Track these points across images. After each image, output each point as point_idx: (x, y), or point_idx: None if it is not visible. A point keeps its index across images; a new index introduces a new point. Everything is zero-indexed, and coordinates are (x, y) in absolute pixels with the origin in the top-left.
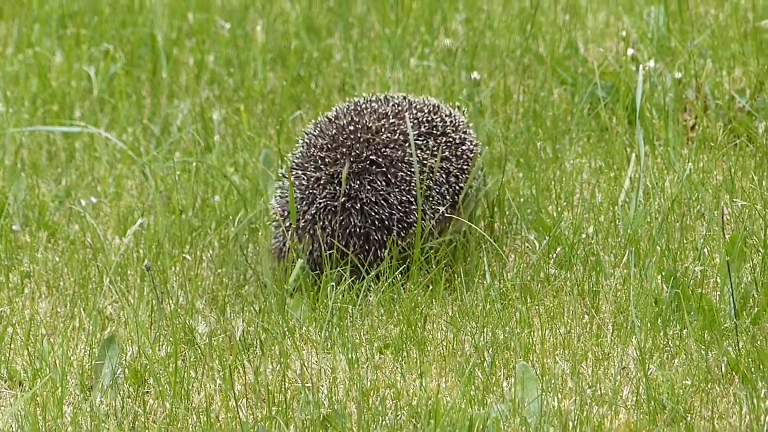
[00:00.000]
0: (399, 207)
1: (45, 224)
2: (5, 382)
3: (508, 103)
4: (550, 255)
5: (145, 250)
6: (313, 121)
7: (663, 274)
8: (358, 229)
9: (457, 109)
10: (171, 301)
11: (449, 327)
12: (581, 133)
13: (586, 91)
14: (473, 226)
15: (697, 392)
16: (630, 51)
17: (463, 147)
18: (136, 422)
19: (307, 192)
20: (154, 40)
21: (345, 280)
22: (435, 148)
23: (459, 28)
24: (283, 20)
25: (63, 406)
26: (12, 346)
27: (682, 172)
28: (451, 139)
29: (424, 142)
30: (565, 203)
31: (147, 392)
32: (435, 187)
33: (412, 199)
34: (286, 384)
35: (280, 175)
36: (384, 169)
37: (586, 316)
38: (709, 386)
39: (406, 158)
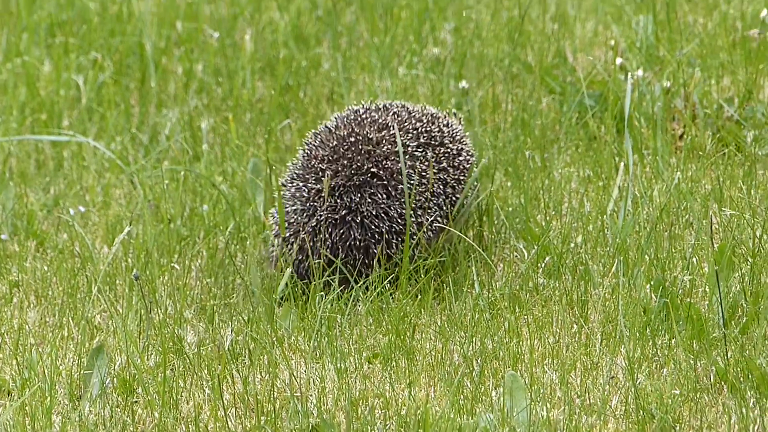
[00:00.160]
0: (399, 220)
1: (33, 233)
2: None
3: (496, 112)
4: (539, 264)
5: (134, 260)
6: (313, 130)
7: (652, 283)
8: (358, 242)
9: (454, 117)
10: (159, 311)
11: (438, 336)
12: (570, 142)
13: (574, 100)
14: (462, 236)
15: (686, 402)
16: (618, 60)
17: (460, 158)
18: None
19: (308, 204)
20: (142, 49)
21: (334, 289)
22: (433, 159)
23: (447, 37)
24: (272, 29)
25: (52, 416)
26: (0, 355)
27: (670, 182)
28: (448, 150)
29: (423, 153)
30: (553, 212)
31: (136, 402)
32: (432, 198)
33: (413, 212)
34: (275, 393)
35: (280, 184)
36: (385, 182)
37: (575, 326)
38: (697, 396)
39: (408, 170)
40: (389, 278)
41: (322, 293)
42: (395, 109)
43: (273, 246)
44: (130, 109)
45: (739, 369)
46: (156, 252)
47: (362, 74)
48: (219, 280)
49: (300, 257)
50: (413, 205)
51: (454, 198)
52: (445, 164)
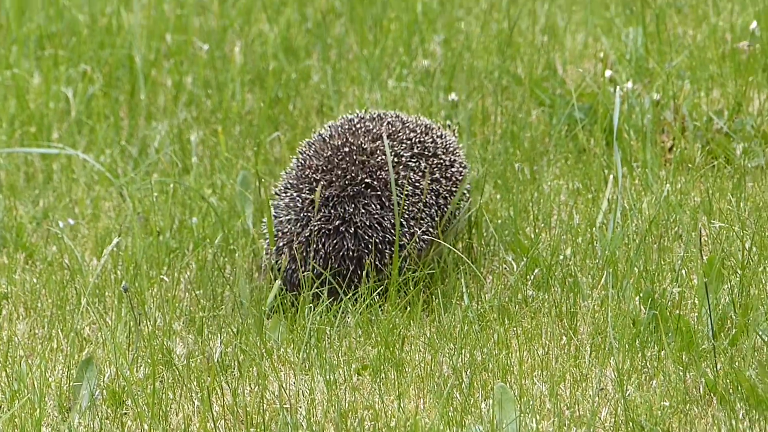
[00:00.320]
0: (393, 231)
1: (23, 246)
2: None
3: (486, 125)
4: (528, 276)
5: (123, 272)
6: (307, 140)
7: (641, 295)
8: (351, 253)
9: (448, 129)
10: (149, 323)
11: (427, 348)
12: (559, 154)
13: (564, 113)
14: (451, 248)
15: (676, 413)
16: (608, 72)
17: (452, 169)
18: None
19: (302, 214)
20: (132, 62)
21: (323, 301)
22: (426, 170)
23: (437, 50)
24: (262, 42)
25: (41, 428)
26: None
27: (659, 194)
28: (441, 161)
29: (417, 163)
30: (542, 225)
31: (125, 414)
32: (425, 209)
33: (405, 222)
34: (264, 405)
35: (273, 194)
36: (378, 192)
37: (564, 338)
38: (687, 408)
39: (401, 180)
40: (378, 290)
41: (311, 305)
42: (389, 119)
43: (266, 255)
44: (119, 122)
45: (728, 381)
46: (145, 264)
47: (352, 86)
48: (208, 292)
49: (292, 267)
50: (405, 216)
51: (445, 209)
52: (437, 175)
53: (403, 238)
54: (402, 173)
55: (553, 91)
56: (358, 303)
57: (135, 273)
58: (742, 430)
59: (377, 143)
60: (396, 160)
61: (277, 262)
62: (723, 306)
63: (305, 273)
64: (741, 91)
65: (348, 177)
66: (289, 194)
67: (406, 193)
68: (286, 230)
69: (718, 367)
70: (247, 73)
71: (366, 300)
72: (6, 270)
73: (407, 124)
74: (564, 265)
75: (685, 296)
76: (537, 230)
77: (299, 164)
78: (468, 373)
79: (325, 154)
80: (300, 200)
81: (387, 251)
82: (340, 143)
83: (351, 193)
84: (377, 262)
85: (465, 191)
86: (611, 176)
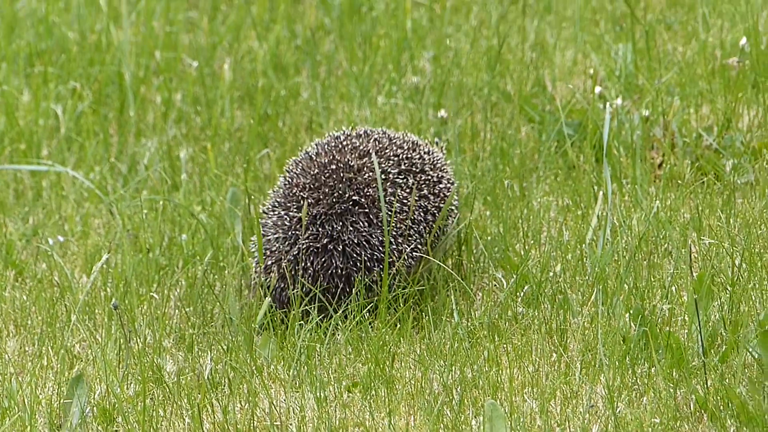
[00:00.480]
0: (381, 248)
1: (12, 263)
2: None
3: (475, 141)
4: (518, 293)
5: (113, 289)
6: (293, 158)
7: (631, 312)
8: (339, 271)
9: (435, 146)
10: (139, 340)
11: (417, 365)
12: (548, 171)
13: (553, 129)
14: (441, 264)
15: (666, 430)
16: (597, 89)
17: (440, 185)
18: None
19: (290, 233)
20: (121, 79)
21: (313, 318)
22: (413, 187)
23: (426, 66)
24: (251, 59)
25: None
26: None
27: (649, 210)
28: (429, 177)
29: (404, 180)
30: (532, 241)
31: (116, 431)
32: (413, 226)
33: (393, 239)
34: (255, 423)
35: (262, 212)
36: (366, 210)
37: (554, 355)
38: (677, 424)
39: (388, 197)
40: (368, 307)
41: (302, 322)
42: (376, 136)
43: (255, 273)
44: (108, 139)
45: (718, 397)
46: (135, 281)
47: (341, 103)
48: (198, 309)
49: (281, 285)
50: (394, 233)
51: (434, 225)
52: (425, 191)
53: (392, 256)
54: (390, 190)
55: (543, 107)
56: (348, 320)
57: (125, 290)
58: None
59: (364, 160)
60: (383, 176)
61: (266, 280)
62: (713, 323)
63: (294, 291)
64: (730, 107)
65: (335, 195)
66: (277, 212)
67: (394, 210)
68: (274, 249)
69: (709, 383)
70: (236, 90)
71: (356, 317)
72: None
73: (394, 141)
74: (554, 282)
75: (675, 313)
76: (527, 247)
77: (286, 182)
78: (458, 390)
79: (312, 172)
80: (288, 218)
81: (375, 268)
82: (327, 161)
83: (339, 210)
84: (366, 280)
85: (453, 206)
86: (601, 193)
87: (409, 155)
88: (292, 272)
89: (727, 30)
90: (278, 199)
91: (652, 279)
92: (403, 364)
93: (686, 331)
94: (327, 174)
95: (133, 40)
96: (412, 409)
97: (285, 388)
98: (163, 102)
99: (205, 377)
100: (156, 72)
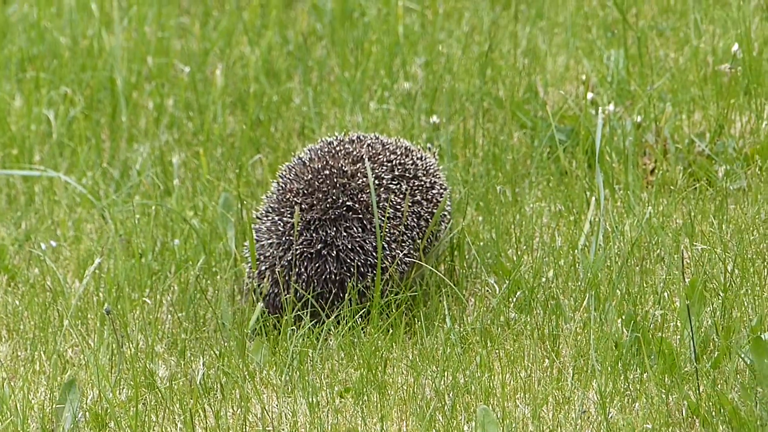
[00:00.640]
0: (374, 254)
1: (5, 268)
2: None
3: (467, 147)
4: (510, 299)
5: (105, 294)
6: (287, 163)
7: (623, 317)
8: (333, 276)
9: (428, 152)
10: (131, 345)
11: (410, 371)
12: (541, 176)
13: (545, 135)
14: (434, 270)
15: None
16: (590, 95)
17: (433, 191)
18: None
19: (283, 238)
20: (113, 84)
21: (305, 323)
22: (407, 192)
23: (418, 72)
24: (243, 64)
25: None
26: None
27: (641, 216)
28: (422, 183)
29: (397, 185)
30: (525, 247)
31: None
32: (406, 231)
33: (386, 245)
34: (247, 428)
35: (255, 218)
36: (360, 215)
37: (547, 360)
38: (669, 430)
39: (382, 203)
40: (360, 312)
41: (294, 327)
42: (369, 141)
43: (248, 278)
44: (101, 144)
45: (711, 403)
46: (127, 286)
47: (333, 109)
48: (190, 314)
49: (274, 291)
50: (387, 239)
51: (426, 231)
52: (418, 197)
53: (385, 261)
54: (383, 195)
55: (535, 113)
56: (341, 325)
57: (117, 295)
58: None
59: (357, 166)
60: (377, 182)
61: (259, 285)
62: (705, 328)
63: (287, 296)
64: (723, 113)
65: (329, 200)
66: (270, 218)
67: (387, 215)
68: (268, 254)
69: (701, 389)
70: (228, 96)
71: (348, 322)
72: None
73: (387, 146)
74: (546, 288)
75: (668, 319)
76: (519, 252)
77: (280, 188)
78: (450, 395)
79: (305, 178)
80: (281, 224)
81: (369, 274)
82: (320, 166)
83: (332, 216)
84: (360, 285)
85: (445, 212)
86: (593, 198)
87: (402, 161)
88: (286, 278)
89: (719, 36)
90: (272, 205)
91: (645, 285)
92: (395, 369)
93: (678, 336)
94: (320, 179)
95: (125, 46)
96: (404, 414)
97: (277, 394)
98: (155, 107)
99: (198, 382)
100: (148, 77)
